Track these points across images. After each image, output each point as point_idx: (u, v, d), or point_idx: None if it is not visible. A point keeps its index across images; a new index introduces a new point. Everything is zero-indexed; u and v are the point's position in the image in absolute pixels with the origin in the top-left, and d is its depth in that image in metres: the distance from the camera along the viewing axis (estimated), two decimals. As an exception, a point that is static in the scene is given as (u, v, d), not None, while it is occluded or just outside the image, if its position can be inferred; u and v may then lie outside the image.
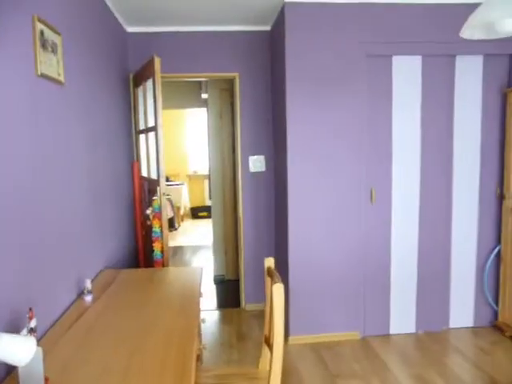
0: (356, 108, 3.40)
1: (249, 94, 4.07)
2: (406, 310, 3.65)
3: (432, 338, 3.59)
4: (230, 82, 4.52)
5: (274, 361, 1.72)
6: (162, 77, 3.55)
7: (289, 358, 3.29)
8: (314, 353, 3.37)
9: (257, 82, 4.07)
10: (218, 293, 4.86)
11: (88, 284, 2.24)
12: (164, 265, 3.27)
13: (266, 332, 2.06)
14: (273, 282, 1.76)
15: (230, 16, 3.65)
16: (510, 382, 2.86)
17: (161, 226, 3.27)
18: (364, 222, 3.52)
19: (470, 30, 1.80)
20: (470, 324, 3.76)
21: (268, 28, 3.99)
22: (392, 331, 3.66)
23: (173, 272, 3.02)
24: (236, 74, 4.03)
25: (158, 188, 3.24)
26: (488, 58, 3.52)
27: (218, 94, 5.03)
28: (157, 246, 3.29)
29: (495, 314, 3.72)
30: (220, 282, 5.18)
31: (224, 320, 4.10)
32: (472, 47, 3.37)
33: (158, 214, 3.27)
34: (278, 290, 1.64)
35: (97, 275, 2.69)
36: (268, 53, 4.05)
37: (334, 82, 3.36)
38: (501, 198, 3.59)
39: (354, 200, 3.47)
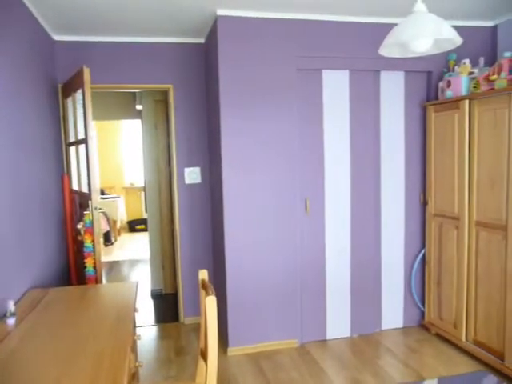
0: (288, 119, 3.50)
1: (184, 106, 4.05)
2: (342, 316, 3.78)
3: (366, 340, 3.73)
4: (165, 93, 4.48)
5: (209, 373, 1.72)
6: (93, 88, 3.46)
7: (228, 370, 3.27)
8: (253, 363, 3.38)
9: (191, 94, 4.07)
10: (156, 307, 4.75)
11: (11, 306, 2.11)
12: (97, 281, 3.15)
13: (202, 345, 2.04)
14: (206, 294, 1.76)
15: (164, 27, 3.63)
16: (434, 376, 3.04)
17: (93, 241, 3.15)
18: (299, 231, 3.61)
19: (387, 49, 1.93)
20: (400, 325, 3.96)
21: (202, 40, 4.02)
22: (329, 336, 3.77)
23: (106, 288, 2.91)
24: (170, 86, 4.00)
25: (90, 202, 3.12)
26: (409, 74, 3.77)
27: (153, 106, 4.97)
28: (89, 262, 3.16)
29: (422, 314, 3.94)
30: (158, 296, 5.07)
31: (162, 335, 4.01)
32: (394, 64, 3.60)
33: (90, 229, 3.15)
34: (210, 302, 1.65)
35: (22, 295, 2.53)
36: (202, 65, 4.07)
37: (266, 94, 3.44)
38: (424, 204, 3.84)
39: (289, 210, 3.55)
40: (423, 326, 3.92)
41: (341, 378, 3.12)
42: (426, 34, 1.69)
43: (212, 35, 3.57)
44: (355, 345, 3.66)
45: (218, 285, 3.77)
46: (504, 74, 2.92)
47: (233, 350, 3.52)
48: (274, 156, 3.49)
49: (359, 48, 3.56)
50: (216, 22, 3.36)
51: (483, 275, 3.19)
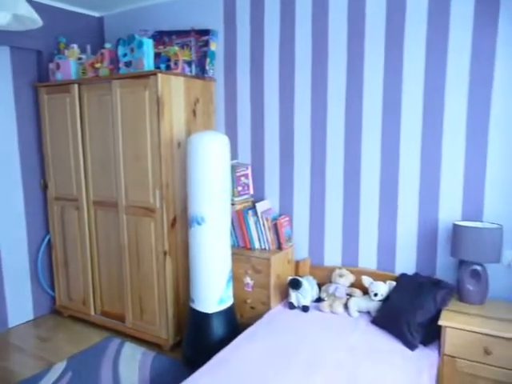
0: None
1: None
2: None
3: (-10, 344, 3.36)
4: None
5: None
6: None
7: None
8: None
9: None
10: None
11: None
12: None
13: None
14: None
15: None
16: (63, 359, 3.06)
17: None
18: None
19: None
20: (31, 317, 3.76)
21: None
22: None
23: None
24: None
25: None
26: (16, 50, 3.50)
27: None
28: None
29: (53, 299, 3.89)
30: None
31: None
32: (-4, 37, 3.27)
33: None
34: None
35: None
36: None
37: None
38: (45, 188, 3.74)
39: None
40: (56, 311, 3.87)
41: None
42: (1, 7, 1.59)
43: None
44: (-24, 354, 3.23)
45: None
46: (106, 63, 3.15)
47: None
48: None
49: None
50: None
51: (104, 250, 3.42)
